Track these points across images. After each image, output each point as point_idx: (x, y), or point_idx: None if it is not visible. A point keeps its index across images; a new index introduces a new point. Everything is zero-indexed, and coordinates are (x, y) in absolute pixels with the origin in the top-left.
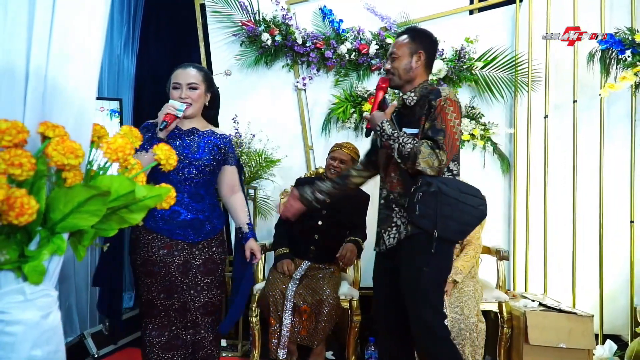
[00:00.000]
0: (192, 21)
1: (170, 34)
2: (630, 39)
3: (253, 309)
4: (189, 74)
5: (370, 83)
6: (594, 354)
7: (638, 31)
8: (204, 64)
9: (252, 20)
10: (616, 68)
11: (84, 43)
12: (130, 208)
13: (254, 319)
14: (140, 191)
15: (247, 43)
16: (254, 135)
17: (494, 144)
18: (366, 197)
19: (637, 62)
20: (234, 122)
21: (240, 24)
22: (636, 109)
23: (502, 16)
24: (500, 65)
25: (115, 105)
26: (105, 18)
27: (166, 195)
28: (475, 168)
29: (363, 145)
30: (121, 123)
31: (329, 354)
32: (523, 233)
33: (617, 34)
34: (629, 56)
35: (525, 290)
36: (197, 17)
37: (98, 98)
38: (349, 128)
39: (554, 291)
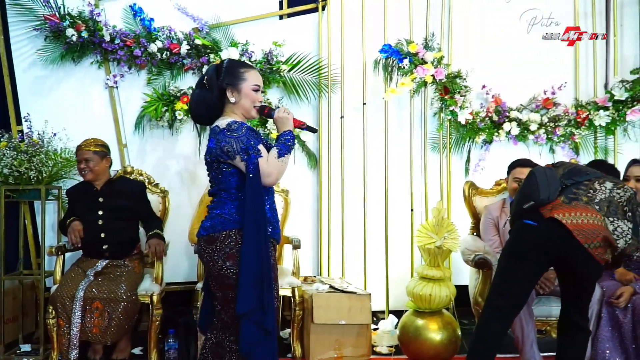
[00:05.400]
0: None
1: None
2: (406, 49)
3: (50, 311)
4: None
5: (184, 82)
6: (373, 328)
7: (413, 42)
8: (3, 59)
9: (57, 15)
10: (397, 75)
11: None
12: None
13: (50, 321)
14: None
15: (52, 38)
16: (55, 134)
17: (302, 142)
18: (141, 186)
19: (414, 70)
20: (26, 121)
21: (43, 18)
22: (414, 112)
23: (308, 23)
24: (305, 68)
25: None
26: None
27: None
28: None
29: (178, 141)
30: None
31: (136, 350)
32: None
33: (396, 45)
34: (407, 64)
35: (328, 276)
36: None
37: None
38: (163, 126)
39: (352, 275)
